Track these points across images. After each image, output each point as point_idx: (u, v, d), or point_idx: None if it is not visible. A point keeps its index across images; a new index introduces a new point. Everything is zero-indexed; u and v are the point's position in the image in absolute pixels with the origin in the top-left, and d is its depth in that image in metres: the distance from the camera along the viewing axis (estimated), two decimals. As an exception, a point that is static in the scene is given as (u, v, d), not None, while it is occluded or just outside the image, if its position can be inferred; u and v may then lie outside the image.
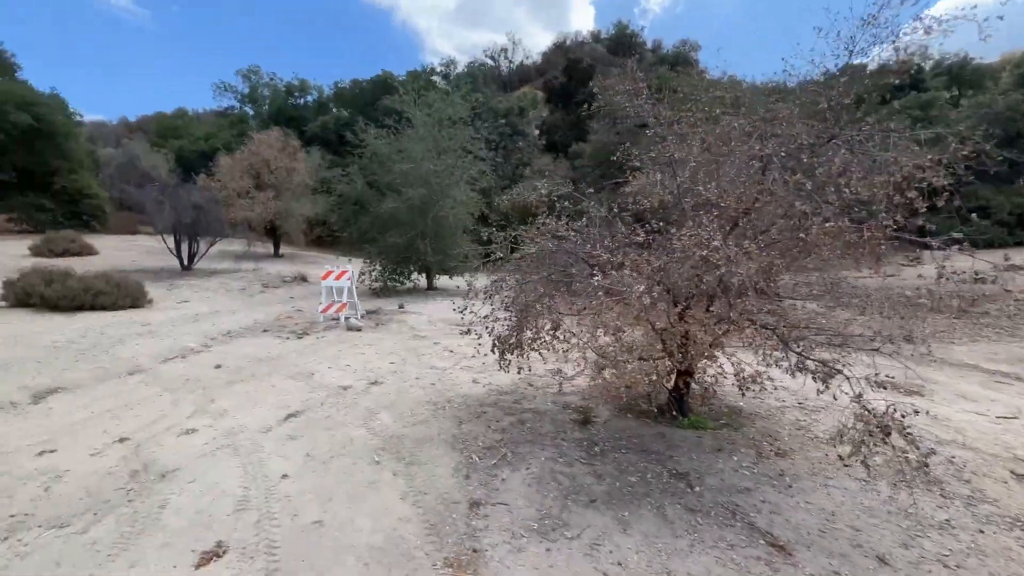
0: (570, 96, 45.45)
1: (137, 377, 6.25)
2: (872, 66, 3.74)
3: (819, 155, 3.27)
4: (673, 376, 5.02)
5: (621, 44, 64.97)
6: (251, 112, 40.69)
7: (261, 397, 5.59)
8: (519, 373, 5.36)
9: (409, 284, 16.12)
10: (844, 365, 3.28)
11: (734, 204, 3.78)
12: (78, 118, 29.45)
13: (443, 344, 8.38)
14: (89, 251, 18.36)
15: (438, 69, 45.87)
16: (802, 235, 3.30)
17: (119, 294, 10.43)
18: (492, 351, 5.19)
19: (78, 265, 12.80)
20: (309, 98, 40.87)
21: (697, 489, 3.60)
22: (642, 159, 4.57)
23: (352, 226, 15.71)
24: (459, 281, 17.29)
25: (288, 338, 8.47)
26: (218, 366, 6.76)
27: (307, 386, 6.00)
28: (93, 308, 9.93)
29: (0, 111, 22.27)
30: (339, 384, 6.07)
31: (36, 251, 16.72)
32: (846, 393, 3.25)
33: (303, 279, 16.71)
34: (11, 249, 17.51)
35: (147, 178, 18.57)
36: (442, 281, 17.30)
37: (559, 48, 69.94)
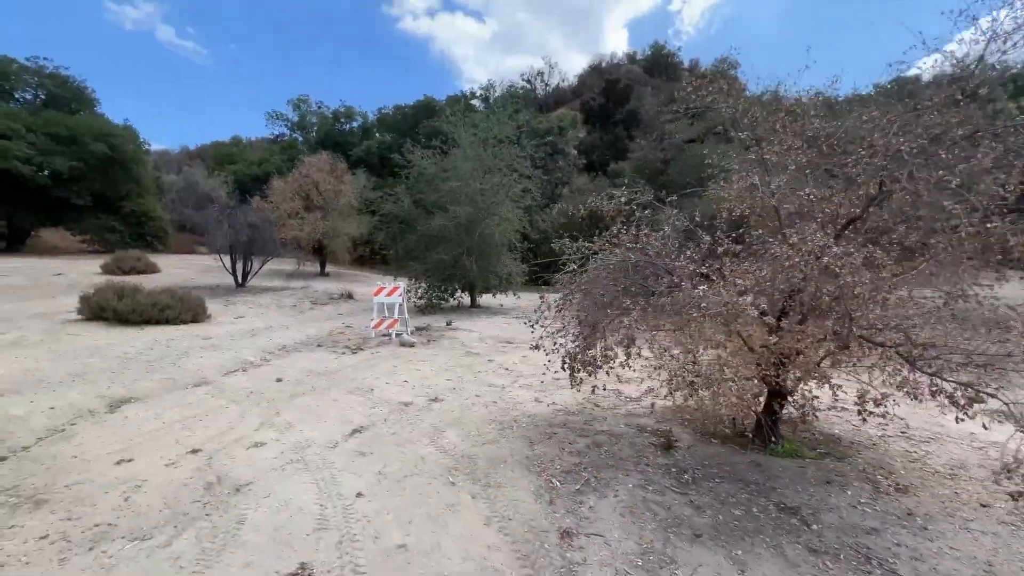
0: (608, 116, 45.54)
1: (203, 389, 6.32)
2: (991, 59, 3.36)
3: (953, 151, 2.91)
4: (762, 398, 4.61)
5: (657, 64, 64.86)
6: (300, 138, 42.70)
7: (324, 411, 5.51)
8: (592, 392, 5.08)
9: (453, 302, 16.12)
10: (997, 389, 2.85)
11: (845, 209, 3.45)
12: (147, 147, 31.66)
13: (497, 361, 8.18)
14: (153, 269, 19.37)
15: (478, 93, 47.01)
16: (936, 240, 2.93)
17: (182, 308, 10.83)
18: (562, 368, 4.95)
19: (143, 282, 13.46)
20: (354, 124, 42.60)
21: (815, 527, 3.19)
22: (730, 165, 4.29)
23: (398, 244, 15.93)
24: (503, 299, 17.19)
25: (343, 353, 8.48)
26: (279, 380, 6.78)
27: (368, 401, 5.90)
28: (159, 322, 10.32)
29: (81, 142, 24.19)
30: (400, 400, 5.94)
31: (107, 269, 17.75)
32: (1000, 421, 2.81)
33: (349, 296, 17.01)
34: (85, 267, 18.69)
35: (208, 200, 19.55)
36: (485, 299, 17.24)
37: (595, 70, 70.56)
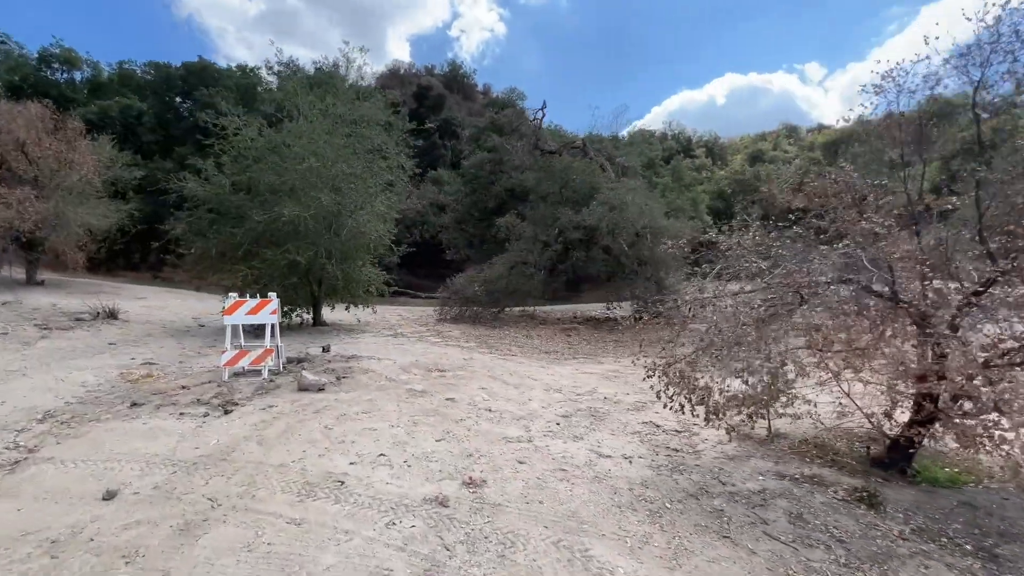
0: (421, 121, 44.11)
1: None
2: None
3: None
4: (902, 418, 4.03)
5: (455, 81, 66.82)
6: (-33, 79, 28.09)
7: (298, 560, 2.63)
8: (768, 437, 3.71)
9: (296, 319, 12.23)
10: None
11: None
12: None
13: (462, 400, 5.93)
14: None
15: (275, 69, 39.53)
16: None
17: None
18: (704, 413, 3.48)
19: None
20: (77, 74, 30.32)
21: None
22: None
23: (210, 240, 11.15)
24: (360, 313, 13.73)
25: (206, 414, 4.87)
26: (109, 496, 3.22)
27: (361, 509, 3.16)
28: None
29: None
30: (422, 495, 3.38)
31: None
32: None
33: (112, 316, 11.23)
34: None
35: None
36: (333, 314, 13.63)
37: (394, 75, 68.11)
